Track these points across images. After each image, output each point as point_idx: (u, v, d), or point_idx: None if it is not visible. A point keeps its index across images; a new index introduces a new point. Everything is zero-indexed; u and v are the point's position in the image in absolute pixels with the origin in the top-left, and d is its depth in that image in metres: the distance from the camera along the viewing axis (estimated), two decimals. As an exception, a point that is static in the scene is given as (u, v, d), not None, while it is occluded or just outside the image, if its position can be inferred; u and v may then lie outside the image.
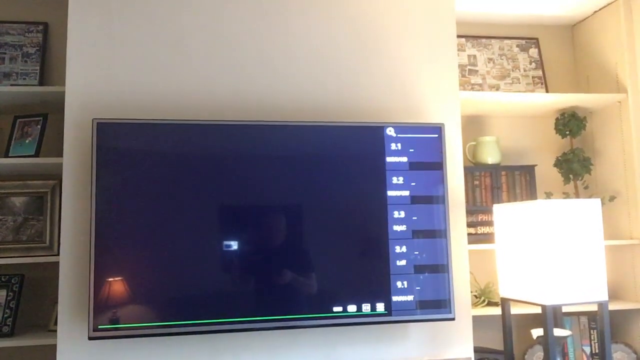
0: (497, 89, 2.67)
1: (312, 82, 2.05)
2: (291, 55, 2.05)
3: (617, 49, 2.55)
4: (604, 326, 1.86)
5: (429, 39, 2.15)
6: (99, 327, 1.68)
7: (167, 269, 1.75)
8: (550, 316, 1.80)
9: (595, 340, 2.44)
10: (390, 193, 1.92)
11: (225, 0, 2.03)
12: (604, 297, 1.85)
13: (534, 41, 2.79)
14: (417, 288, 1.90)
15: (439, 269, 1.92)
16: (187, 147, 1.81)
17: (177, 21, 1.99)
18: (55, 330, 1.84)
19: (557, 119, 2.60)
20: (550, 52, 2.82)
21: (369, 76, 2.09)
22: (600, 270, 1.84)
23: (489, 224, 2.42)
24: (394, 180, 1.93)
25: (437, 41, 2.16)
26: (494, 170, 2.49)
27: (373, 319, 1.86)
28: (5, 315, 2.09)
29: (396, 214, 1.92)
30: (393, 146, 1.95)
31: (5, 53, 2.32)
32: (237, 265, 1.81)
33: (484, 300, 2.40)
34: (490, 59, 2.71)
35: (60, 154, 1.90)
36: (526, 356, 2.48)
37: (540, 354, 2.45)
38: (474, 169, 2.49)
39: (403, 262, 1.90)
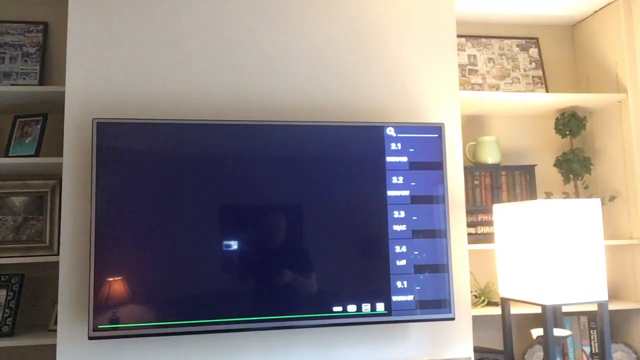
0: (497, 89, 2.67)
1: (312, 82, 2.05)
2: (291, 55, 2.05)
3: (617, 48, 2.55)
4: (604, 326, 1.86)
5: (429, 39, 2.15)
6: (99, 326, 1.68)
7: (167, 269, 1.75)
8: (550, 316, 1.80)
9: (595, 340, 2.44)
10: (390, 193, 1.92)
11: (225, 0, 2.03)
12: (604, 297, 1.85)
13: (534, 41, 2.79)
14: (417, 288, 1.90)
15: (438, 268, 1.92)
16: (187, 147, 1.81)
17: (176, 21, 1.99)
18: (55, 330, 1.84)
19: (557, 119, 2.60)
20: (550, 52, 2.82)
21: (369, 76, 2.09)
22: (600, 270, 1.84)
23: (489, 223, 2.42)
24: (394, 180, 1.93)
25: (437, 41, 2.16)
26: (494, 170, 2.49)
27: (373, 319, 1.86)
28: (5, 315, 2.09)
29: (396, 214, 1.92)
30: (393, 146, 1.95)
31: (5, 53, 2.32)
32: (237, 265, 1.81)
33: (483, 300, 2.40)
34: (490, 59, 2.71)
35: (60, 153, 1.90)
36: (526, 356, 2.48)
37: (540, 354, 2.45)
38: (474, 169, 2.49)
39: (403, 262, 1.90)
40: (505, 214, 2.01)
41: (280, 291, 1.82)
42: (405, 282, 1.89)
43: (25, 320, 2.21)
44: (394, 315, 1.87)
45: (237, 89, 1.99)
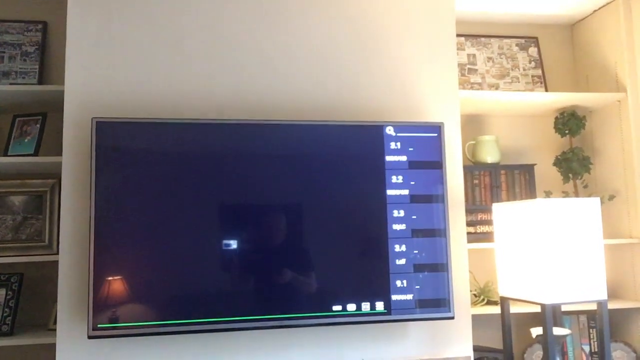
0: (497, 88, 2.67)
1: (312, 81, 2.05)
2: (291, 54, 2.05)
3: (616, 48, 2.55)
4: (603, 325, 1.86)
5: (428, 39, 2.15)
6: (99, 326, 1.68)
7: (166, 268, 1.75)
8: (550, 315, 1.80)
9: (595, 339, 2.44)
10: (389, 192, 1.92)
11: (225, 0, 2.03)
12: (603, 296, 1.85)
13: (534, 40, 2.79)
14: (417, 287, 1.90)
15: (438, 267, 1.92)
16: (187, 146, 1.81)
17: (176, 20, 1.99)
18: (55, 329, 1.84)
19: (556, 118, 2.60)
20: (550, 51, 2.82)
21: (369, 75, 2.09)
22: (599, 269, 1.84)
23: (489, 222, 2.42)
24: (394, 179, 1.93)
25: (437, 40, 2.16)
26: (494, 169, 2.50)
27: (372, 318, 1.86)
28: (5, 314, 2.09)
29: (395, 213, 1.92)
30: (392, 145, 1.95)
31: (4, 52, 2.32)
32: (237, 264, 1.81)
33: (483, 299, 2.40)
34: (489, 58, 2.71)
35: (59, 153, 1.89)
36: (525, 355, 2.48)
37: (540, 353, 2.45)
38: (473, 168, 2.50)
39: (402, 261, 1.90)
40: (505, 213, 2.01)
41: (279, 290, 1.82)
42: (404, 281, 1.89)
43: (25, 320, 2.21)
44: (394, 314, 1.87)
45: (237, 88, 1.99)
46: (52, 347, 1.82)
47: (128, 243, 1.74)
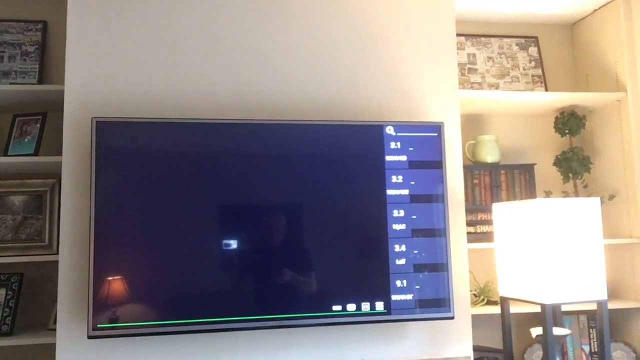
0: (497, 88, 2.66)
1: (312, 81, 2.05)
2: (291, 54, 2.05)
3: (616, 47, 2.55)
4: (603, 325, 1.86)
5: (428, 38, 2.15)
6: (98, 325, 1.68)
7: (166, 268, 1.75)
8: (550, 315, 1.80)
9: (595, 339, 2.44)
10: (389, 192, 1.92)
11: (225, 0, 2.03)
12: (603, 296, 1.85)
13: (534, 40, 2.79)
14: (417, 287, 1.90)
15: (438, 267, 1.92)
16: (187, 146, 1.81)
17: (176, 20, 1.99)
18: (55, 329, 1.84)
19: (556, 118, 2.60)
20: (550, 51, 2.82)
21: (369, 75, 2.09)
22: (599, 269, 1.84)
23: (489, 222, 2.42)
24: (394, 179, 1.93)
25: (437, 40, 2.16)
26: (494, 169, 2.49)
27: (372, 318, 1.86)
28: (5, 314, 2.09)
29: (395, 213, 1.91)
30: (392, 145, 1.94)
31: (4, 51, 2.32)
32: (237, 264, 1.81)
33: (483, 299, 2.40)
34: (489, 58, 2.71)
35: (59, 152, 1.89)
36: (525, 355, 2.48)
37: (540, 353, 2.45)
38: (473, 168, 2.49)
39: (402, 261, 1.90)
40: (505, 213, 2.01)
41: (279, 290, 1.82)
42: (404, 281, 1.89)
43: (25, 320, 2.21)
44: (394, 314, 1.87)
45: (236, 88, 1.99)
46: (52, 347, 1.82)
47: (128, 243, 1.73)
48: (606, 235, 2.52)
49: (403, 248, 1.90)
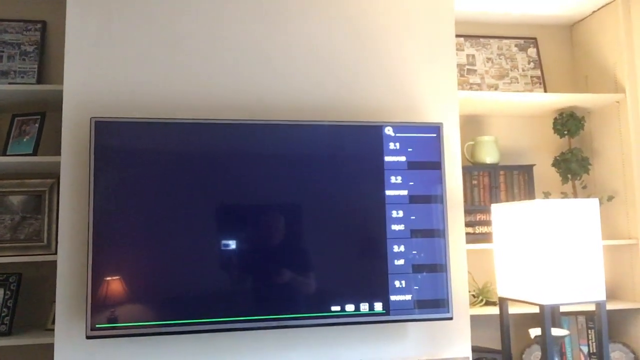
0: (496, 89, 2.67)
1: (311, 81, 2.05)
2: (290, 54, 2.05)
3: (615, 48, 2.55)
4: (602, 326, 1.86)
5: (427, 39, 2.15)
6: (97, 326, 1.68)
7: (165, 268, 1.75)
8: (548, 316, 1.80)
9: (593, 340, 2.44)
10: (388, 192, 1.92)
11: (225, 0, 2.03)
12: (602, 296, 1.85)
13: (533, 41, 2.79)
14: (415, 287, 1.90)
15: (437, 268, 1.92)
16: (186, 146, 1.81)
17: (175, 20, 1.99)
18: (53, 329, 1.84)
19: (555, 119, 2.60)
20: (549, 52, 2.82)
21: (368, 76, 2.09)
22: (598, 270, 1.84)
23: (487, 223, 2.42)
24: (392, 179, 1.93)
25: (436, 41, 2.16)
26: (493, 169, 2.50)
27: (371, 319, 1.86)
28: (3, 314, 2.09)
29: (394, 214, 1.92)
30: (391, 145, 1.95)
31: (3, 51, 2.31)
32: (236, 264, 1.81)
33: (482, 300, 2.40)
34: (488, 59, 2.71)
35: (58, 152, 1.89)
36: (524, 356, 2.48)
37: (538, 354, 2.45)
38: (472, 169, 2.50)
39: (401, 262, 1.90)
40: (504, 214, 2.01)
41: (278, 290, 1.82)
42: (403, 282, 1.89)
43: (23, 320, 2.20)
44: (392, 314, 1.87)
45: (236, 88, 1.99)
46: (50, 347, 1.82)
47: (127, 243, 1.73)
48: (605, 236, 2.52)
49: (402, 249, 1.90)
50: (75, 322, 1.78)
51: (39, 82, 2.30)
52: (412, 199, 1.93)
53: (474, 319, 2.25)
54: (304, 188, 1.88)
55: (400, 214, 1.92)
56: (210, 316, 1.75)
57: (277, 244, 1.86)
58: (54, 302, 1.84)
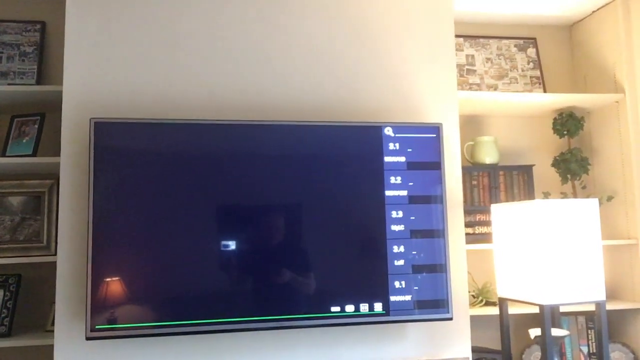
0: (495, 89, 2.67)
1: (311, 81, 2.05)
2: (290, 55, 2.05)
3: (614, 48, 2.55)
4: (602, 326, 1.86)
5: (427, 39, 2.15)
6: (97, 327, 1.68)
7: (165, 269, 1.75)
8: (548, 316, 1.80)
9: (593, 340, 2.44)
10: (388, 193, 1.92)
11: (224, 0, 2.03)
12: (602, 296, 1.85)
13: (532, 41, 2.79)
14: (415, 288, 1.90)
15: (436, 268, 1.92)
16: (185, 147, 1.81)
17: (175, 20, 1.99)
18: (53, 331, 1.84)
19: (554, 119, 2.61)
20: (548, 52, 2.82)
21: (367, 76, 2.09)
22: (597, 270, 1.84)
23: (487, 223, 2.42)
24: (392, 180, 1.93)
25: (436, 41, 2.16)
26: (492, 170, 2.50)
27: (371, 319, 1.86)
28: (2, 316, 2.09)
29: (394, 214, 1.91)
30: (391, 146, 1.95)
31: (2, 52, 2.31)
32: (235, 265, 1.81)
33: (481, 300, 2.40)
34: (488, 59, 2.71)
35: (57, 153, 1.89)
36: (524, 356, 2.48)
37: (538, 354, 2.45)
38: (472, 169, 2.50)
39: (401, 262, 1.90)
40: (503, 214, 2.01)
41: (278, 291, 1.82)
42: (403, 282, 1.89)
43: (23, 321, 2.20)
44: (392, 315, 1.87)
45: (235, 89, 1.99)
46: (50, 349, 1.82)
47: (126, 244, 1.73)
48: (604, 237, 2.52)
49: (402, 249, 1.90)
50: (75, 323, 1.78)
51: (38, 82, 2.30)
52: (412, 199, 1.93)
53: (474, 319, 2.25)
54: (303, 188, 1.87)
55: (400, 214, 1.92)
56: (210, 317, 1.75)
57: (276, 245, 1.86)
58: (54, 303, 1.84)
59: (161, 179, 1.78)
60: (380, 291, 1.87)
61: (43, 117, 2.25)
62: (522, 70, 2.73)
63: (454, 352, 2.01)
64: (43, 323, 2.19)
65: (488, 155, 2.51)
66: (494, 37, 2.75)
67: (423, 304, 1.89)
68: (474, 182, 2.49)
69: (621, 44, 2.51)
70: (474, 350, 2.17)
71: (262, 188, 1.85)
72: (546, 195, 2.58)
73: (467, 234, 2.31)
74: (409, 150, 1.95)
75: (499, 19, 2.74)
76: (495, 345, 2.40)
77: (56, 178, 2.17)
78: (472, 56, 2.70)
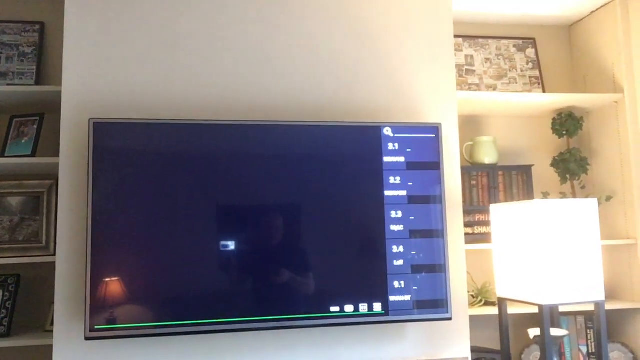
0: (494, 89, 2.67)
1: (310, 82, 2.05)
2: (289, 55, 2.05)
3: (613, 49, 2.56)
4: (601, 326, 1.86)
5: (426, 39, 2.16)
6: (96, 327, 1.68)
7: (164, 269, 1.75)
8: (547, 316, 1.80)
9: (592, 340, 2.44)
10: (387, 193, 1.92)
11: (224, 0, 2.03)
12: (601, 296, 1.85)
13: (531, 41, 2.79)
14: (415, 288, 1.90)
15: (436, 268, 1.92)
16: (184, 147, 1.81)
17: (174, 20, 1.99)
18: (52, 331, 1.84)
19: (554, 119, 2.61)
20: (547, 52, 2.82)
21: (367, 76, 2.09)
22: (597, 270, 1.84)
23: (486, 223, 2.42)
24: (391, 180, 1.93)
25: (435, 41, 2.16)
26: (491, 170, 2.50)
27: (370, 319, 1.86)
28: (2, 316, 2.08)
29: (393, 214, 1.92)
30: (390, 146, 1.95)
31: (1, 52, 2.31)
32: (235, 265, 1.80)
33: (481, 300, 2.40)
34: (487, 59, 2.71)
35: (56, 153, 1.89)
36: (523, 356, 2.48)
37: (537, 354, 2.45)
38: (471, 169, 2.50)
39: (400, 262, 1.90)
40: (502, 214, 2.01)
41: (277, 291, 1.82)
42: (402, 282, 1.89)
43: (22, 321, 2.20)
44: (392, 315, 1.87)
45: (235, 89, 1.99)
46: (49, 349, 1.82)
47: (125, 244, 1.73)
48: (603, 237, 2.53)
49: (401, 249, 1.90)
50: (74, 323, 1.78)
51: (37, 83, 2.30)
52: (411, 199, 1.94)
53: (473, 319, 2.26)
54: (303, 189, 1.87)
55: (399, 214, 1.92)
56: (209, 317, 1.75)
57: (276, 245, 1.86)
58: (53, 303, 1.83)
59: (160, 179, 1.78)
60: (379, 291, 1.87)
61: (42, 118, 2.25)
62: (521, 71, 2.73)
63: (453, 352, 2.01)
64: (42, 323, 2.19)
65: (487, 156, 2.52)
66: (493, 37, 2.75)
67: (422, 304, 1.90)
68: (473, 182, 2.49)
69: (620, 44, 2.51)
70: (473, 350, 2.17)
71: (261, 188, 1.85)
72: (545, 195, 2.58)
73: (466, 234, 2.31)
74: (408, 150, 1.95)
75: (498, 19, 2.75)
76: (495, 345, 2.40)
77: (55, 178, 2.17)
78: (471, 56, 2.70)
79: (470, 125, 2.68)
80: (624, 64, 2.50)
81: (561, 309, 2.25)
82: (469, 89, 2.63)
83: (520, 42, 2.78)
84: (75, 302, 1.79)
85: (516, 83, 2.71)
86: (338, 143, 1.91)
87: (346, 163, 1.91)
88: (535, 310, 1.84)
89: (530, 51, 2.77)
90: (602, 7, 2.62)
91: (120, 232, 1.73)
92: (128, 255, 1.73)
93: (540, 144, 2.73)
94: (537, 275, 1.81)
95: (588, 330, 2.46)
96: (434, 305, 1.90)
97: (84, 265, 1.74)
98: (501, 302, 2.05)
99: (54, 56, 2.35)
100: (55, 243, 1.90)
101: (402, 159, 1.95)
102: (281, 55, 2.04)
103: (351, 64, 2.08)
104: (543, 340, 1.80)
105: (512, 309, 2.26)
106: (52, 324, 1.98)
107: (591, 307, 1.96)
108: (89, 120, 1.76)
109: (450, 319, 1.92)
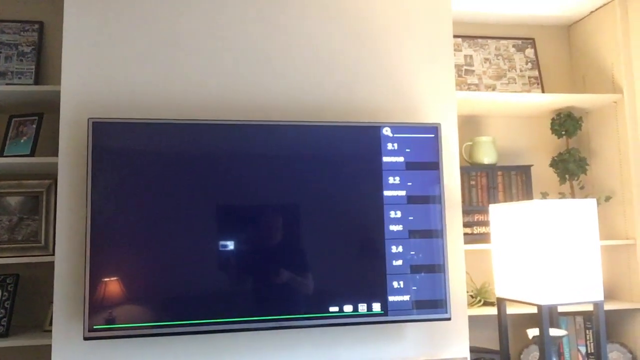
0: (494, 89, 2.67)
1: (310, 81, 2.05)
2: (289, 54, 2.05)
3: (613, 49, 2.56)
4: (600, 326, 1.86)
5: (425, 39, 2.16)
6: (95, 327, 1.68)
7: (163, 268, 1.75)
8: (546, 316, 1.80)
9: (591, 340, 2.45)
10: (386, 193, 1.92)
11: (225, 0, 2.03)
12: (600, 297, 1.85)
13: (530, 41, 2.79)
14: (414, 288, 1.90)
15: (435, 269, 1.92)
16: (183, 147, 1.81)
17: (174, 20, 1.98)
18: (51, 331, 1.84)
19: (553, 119, 2.61)
20: (547, 53, 2.83)
21: (366, 76, 2.09)
22: (595, 270, 1.84)
23: (485, 224, 2.42)
24: (391, 180, 1.93)
25: (434, 41, 2.16)
26: (490, 170, 2.50)
27: (369, 319, 1.86)
28: (0, 316, 2.08)
29: (392, 214, 1.92)
30: (389, 146, 1.95)
31: (0, 52, 2.31)
32: (234, 265, 1.80)
33: (480, 300, 2.40)
34: (486, 59, 2.71)
35: (55, 153, 1.89)
36: (522, 356, 2.48)
37: (536, 354, 2.45)
38: (470, 169, 2.50)
39: (399, 262, 1.90)
40: (502, 214, 2.01)
41: (276, 291, 1.82)
42: (401, 282, 1.89)
43: (21, 321, 2.20)
44: (391, 315, 1.87)
45: (234, 89, 1.99)
46: (47, 349, 1.82)
47: (124, 244, 1.73)
48: (602, 237, 2.53)
49: (400, 249, 1.90)
50: (73, 323, 1.78)
51: (36, 82, 2.30)
52: (410, 199, 1.94)
53: (472, 319, 2.26)
54: (302, 189, 1.87)
55: (399, 214, 1.92)
56: (208, 317, 1.75)
57: (275, 245, 1.86)
58: (52, 303, 1.83)
59: (160, 179, 1.78)
60: (378, 291, 1.87)
61: (41, 117, 2.24)
62: (521, 71, 2.73)
63: (452, 352, 2.01)
64: (41, 323, 2.19)
65: (486, 156, 2.52)
66: (492, 37, 2.75)
67: (421, 304, 1.90)
68: (472, 182, 2.49)
69: (619, 44, 2.52)
70: (472, 350, 2.17)
71: (261, 188, 1.85)
72: (544, 195, 2.58)
73: (465, 234, 2.31)
74: (407, 150, 1.95)
75: (497, 19, 2.75)
76: (494, 345, 2.40)
77: (54, 178, 2.17)
78: (471, 56, 2.70)
79: (470, 125, 2.68)
80: (623, 64, 2.50)
81: (560, 309, 2.25)
82: (468, 89, 2.63)
83: (520, 42, 2.78)
84: (74, 302, 1.79)
85: (515, 83, 2.71)
86: (337, 143, 1.91)
87: (345, 163, 1.91)
88: (534, 310, 1.84)
89: (530, 51, 2.77)
90: (601, 7, 2.62)
91: (119, 232, 1.73)
92: (127, 255, 1.73)
93: (539, 144, 2.74)
94: (536, 276, 1.81)
95: (587, 331, 2.46)
96: (433, 305, 1.90)
97: (83, 265, 1.74)
98: (500, 302, 2.05)
99: (53, 56, 2.35)
100: (54, 243, 1.90)
101: (401, 159, 1.95)
102: (281, 55, 2.04)
103: (351, 64, 2.08)
104: (542, 341, 1.81)
105: (511, 309, 2.26)
106: (50, 323, 1.98)
107: (590, 307, 1.96)
108: (88, 119, 1.76)
109: (449, 319, 1.92)
